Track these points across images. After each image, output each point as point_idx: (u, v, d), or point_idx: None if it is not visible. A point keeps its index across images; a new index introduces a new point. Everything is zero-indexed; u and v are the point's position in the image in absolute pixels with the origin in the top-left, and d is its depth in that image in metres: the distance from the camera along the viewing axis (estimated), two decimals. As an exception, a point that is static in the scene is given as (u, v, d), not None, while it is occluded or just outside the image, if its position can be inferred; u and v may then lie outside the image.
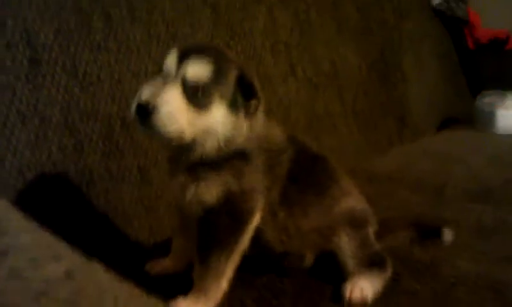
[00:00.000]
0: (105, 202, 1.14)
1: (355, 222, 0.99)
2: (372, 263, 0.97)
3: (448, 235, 1.15)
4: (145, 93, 0.82)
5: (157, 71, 0.89)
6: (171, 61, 0.86)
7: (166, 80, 0.84)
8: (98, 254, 0.57)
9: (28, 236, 0.48)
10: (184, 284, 0.90)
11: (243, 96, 0.88)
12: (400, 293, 0.95)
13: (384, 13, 2.25)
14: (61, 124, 1.10)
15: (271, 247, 0.96)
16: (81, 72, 1.15)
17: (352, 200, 1.02)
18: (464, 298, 0.94)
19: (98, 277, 0.43)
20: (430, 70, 2.50)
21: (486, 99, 2.40)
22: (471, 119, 2.40)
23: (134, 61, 1.25)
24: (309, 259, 1.01)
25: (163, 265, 1.02)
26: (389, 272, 0.98)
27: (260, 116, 0.93)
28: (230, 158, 0.88)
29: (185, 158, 0.89)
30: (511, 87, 2.40)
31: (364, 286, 0.92)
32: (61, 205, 1.09)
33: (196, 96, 0.83)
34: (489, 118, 2.29)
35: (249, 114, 0.89)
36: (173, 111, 0.81)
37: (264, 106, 0.93)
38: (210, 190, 0.88)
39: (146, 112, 0.80)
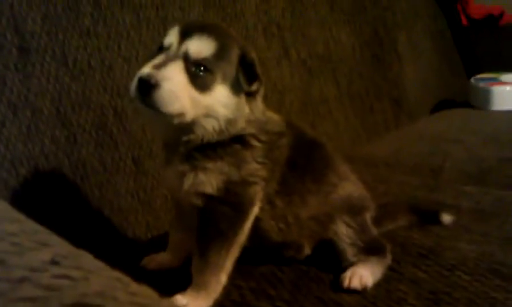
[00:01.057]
0: (100, 196, 1.12)
1: (352, 209, 0.98)
2: (371, 250, 0.96)
3: (447, 218, 1.15)
4: (147, 68, 0.79)
5: (155, 51, 0.86)
6: (172, 37, 0.83)
7: (167, 56, 0.81)
8: (93, 250, 0.56)
9: (14, 224, 0.46)
10: (182, 278, 0.89)
11: (246, 77, 0.85)
12: (401, 279, 0.94)
13: (377, -9, 2.23)
14: (53, 115, 1.08)
15: (269, 237, 0.94)
16: (71, 60, 1.12)
17: (350, 186, 1.00)
18: (466, 280, 0.93)
19: (86, 264, 0.41)
20: (424, 49, 2.49)
21: (481, 76, 2.39)
22: (467, 100, 2.39)
23: (125, 45, 1.23)
24: (307, 249, 0.99)
25: (160, 260, 1.01)
26: (389, 259, 0.97)
27: (259, 100, 0.90)
28: (230, 143, 0.86)
29: (183, 142, 0.86)
30: (506, 64, 2.39)
31: (363, 274, 0.91)
32: (55, 199, 1.07)
33: (199, 74, 0.81)
34: (484, 95, 2.29)
35: (251, 96, 0.87)
36: (176, 88, 0.79)
37: (263, 90, 0.91)
38: (209, 180, 0.85)
39: (147, 87, 0.77)
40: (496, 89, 2.27)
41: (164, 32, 1.26)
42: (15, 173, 1.01)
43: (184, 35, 0.83)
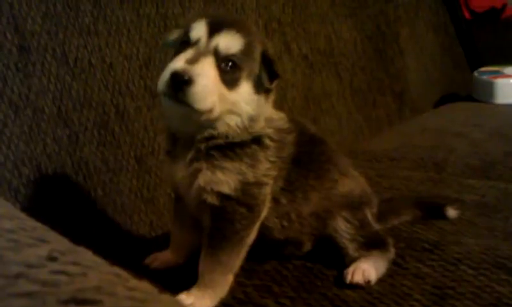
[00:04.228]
0: (103, 195, 1.12)
1: (352, 205, 0.97)
2: (373, 245, 0.95)
3: (452, 213, 1.14)
4: (179, 63, 0.78)
5: (177, 44, 0.84)
6: (200, 31, 0.81)
7: (198, 51, 0.80)
8: (96, 249, 0.56)
9: (12, 221, 0.46)
10: (185, 277, 0.88)
11: (268, 75, 0.85)
12: (406, 274, 0.93)
13: (379, -15, 2.23)
14: (55, 114, 1.07)
15: (271, 234, 0.93)
16: (72, 58, 1.12)
17: (350, 183, 0.99)
18: (471, 275, 0.93)
19: (84, 259, 0.41)
20: (427, 43, 2.48)
21: (484, 69, 2.39)
22: (470, 94, 2.39)
23: (125, 43, 1.22)
24: (307, 245, 0.98)
25: (163, 258, 1.00)
26: (392, 253, 0.96)
27: (271, 98, 0.90)
28: (249, 144, 0.86)
29: (203, 139, 0.84)
30: (509, 57, 2.39)
31: (366, 268, 0.90)
32: (58, 199, 1.06)
33: (227, 70, 0.81)
34: (488, 88, 2.28)
35: (269, 93, 0.87)
36: (209, 84, 0.78)
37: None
38: (227, 180, 0.84)
39: (181, 83, 0.76)
40: (500, 82, 2.26)
41: (164, 29, 1.29)
42: (17, 172, 1.01)
43: (213, 30, 0.81)
